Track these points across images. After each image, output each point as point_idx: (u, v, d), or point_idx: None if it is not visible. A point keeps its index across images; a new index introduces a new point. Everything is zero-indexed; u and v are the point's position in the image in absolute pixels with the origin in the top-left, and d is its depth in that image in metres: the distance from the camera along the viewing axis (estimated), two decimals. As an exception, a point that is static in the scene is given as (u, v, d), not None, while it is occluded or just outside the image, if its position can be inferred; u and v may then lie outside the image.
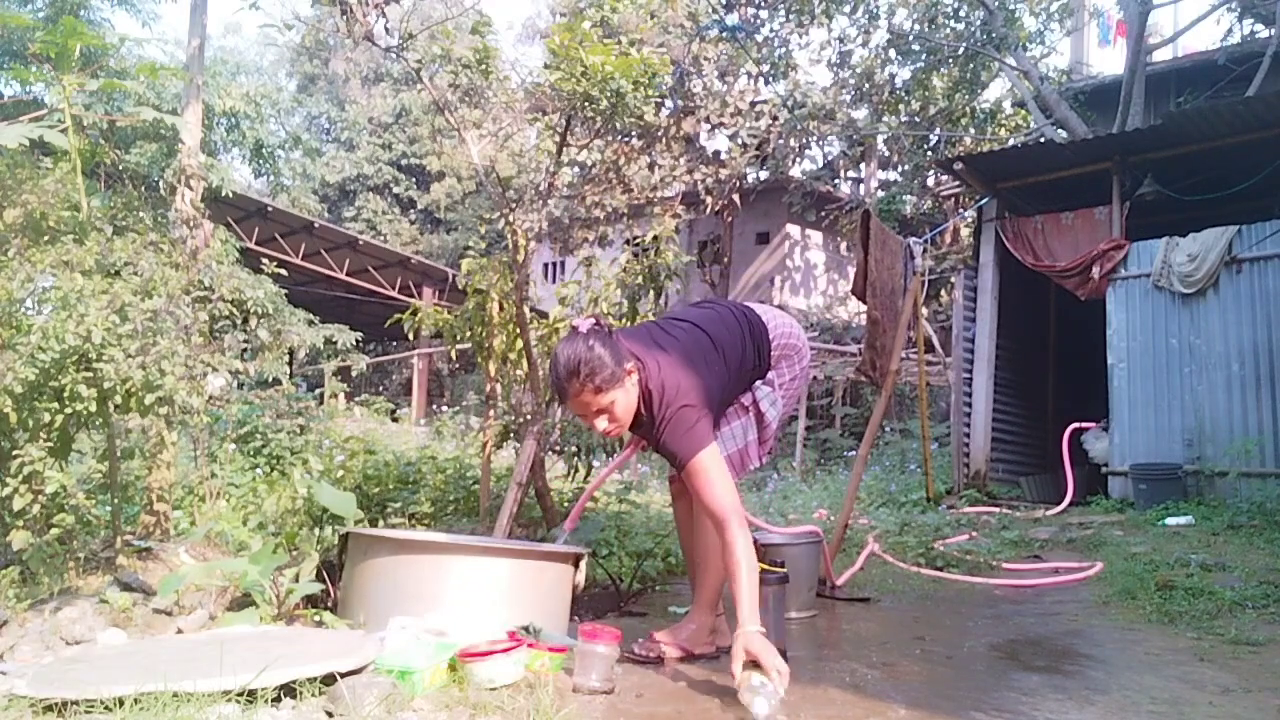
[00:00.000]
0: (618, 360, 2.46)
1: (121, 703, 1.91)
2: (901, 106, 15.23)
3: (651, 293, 4.46)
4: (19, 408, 2.91)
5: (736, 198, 16.65)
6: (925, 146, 14.44)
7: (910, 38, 13.67)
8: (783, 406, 2.90)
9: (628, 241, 16.49)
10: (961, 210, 13.93)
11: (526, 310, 4.24)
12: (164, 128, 5.20)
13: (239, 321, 4.65)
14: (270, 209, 15.21)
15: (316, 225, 16.17)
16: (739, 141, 16.36)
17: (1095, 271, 7.27)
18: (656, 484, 8.42)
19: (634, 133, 15.08)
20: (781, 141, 15.96)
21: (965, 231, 14.06)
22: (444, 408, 14.87)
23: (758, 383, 2.84)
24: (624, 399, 2.49)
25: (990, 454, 7.92)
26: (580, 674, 2.29)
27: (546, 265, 21.95)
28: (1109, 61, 34.96)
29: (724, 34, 15.40)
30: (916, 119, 14.94)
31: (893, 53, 14.42)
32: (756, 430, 2.82)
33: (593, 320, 2.54)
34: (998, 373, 8.09)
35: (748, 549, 2.37)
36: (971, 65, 13.31)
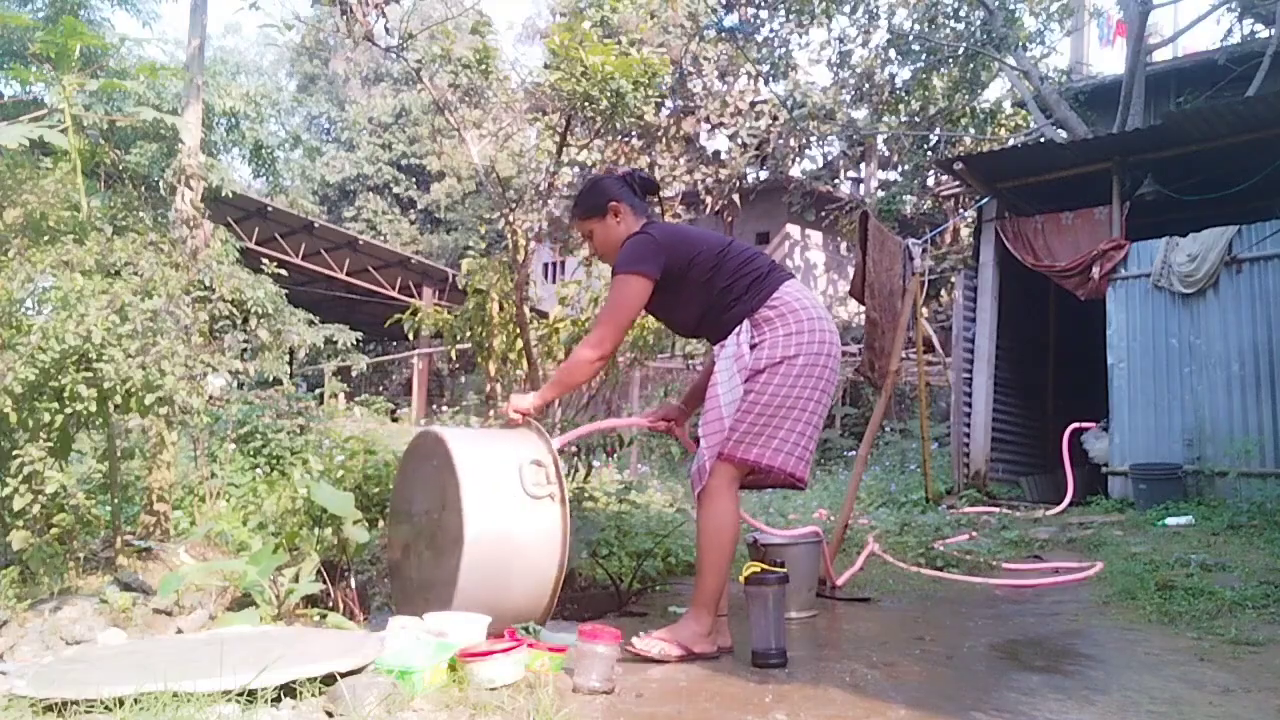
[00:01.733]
0: (604, 197, 2.85)
1: (121, 703, 1.91)
2: (901, 106, 15.22)
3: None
4: (19, 408, 2.91)
5: (736, 198, 16.65)
6: (925, 146, 14.44)
7: (910, 38, 13.66)
8: (762, 405, 2.63)
9: (628, 241, 16.45)
10: (961, 210, 13.93)
11: (526, 310, 4.25)
12: (164, 128, 5.19)
13: (239, 321, 4.65)
14: (270, 209, 15.20)
15: (316, 225, 16.15)
16: (739, 141, 16.36)
17: (1095, 271, 7.27)
18: (657, 484, 8.42)
19: (634, 133, 15.07)
20: (781, 141, 15.97)
21: (965, 231, 14.06)
22: (444, 408, 14.86)
23: (726, 350, 2.69)
24: (601, 232, 2.88)
25: (990, 454, 7.92)
26: (580, 674, 2.29)
27: (546, 265, 21.94)
28: (1109, 61, 34.96)
29: (722, 34, 15.39)
30: (916, 119, 14.93)
31: (893, 53, 14.41)
32: (709, 434, 2.69)
33: (629, 170, 2.98)
34: (998, 373, 8.09)
35: (579, 369, 2.76)
36: (971, 65, 13.30)
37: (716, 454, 2.66)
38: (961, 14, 13.09)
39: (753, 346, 2.69)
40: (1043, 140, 10.63)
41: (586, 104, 3.89)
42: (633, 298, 2.70)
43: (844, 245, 18.21)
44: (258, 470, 5.03)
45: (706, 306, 2.76)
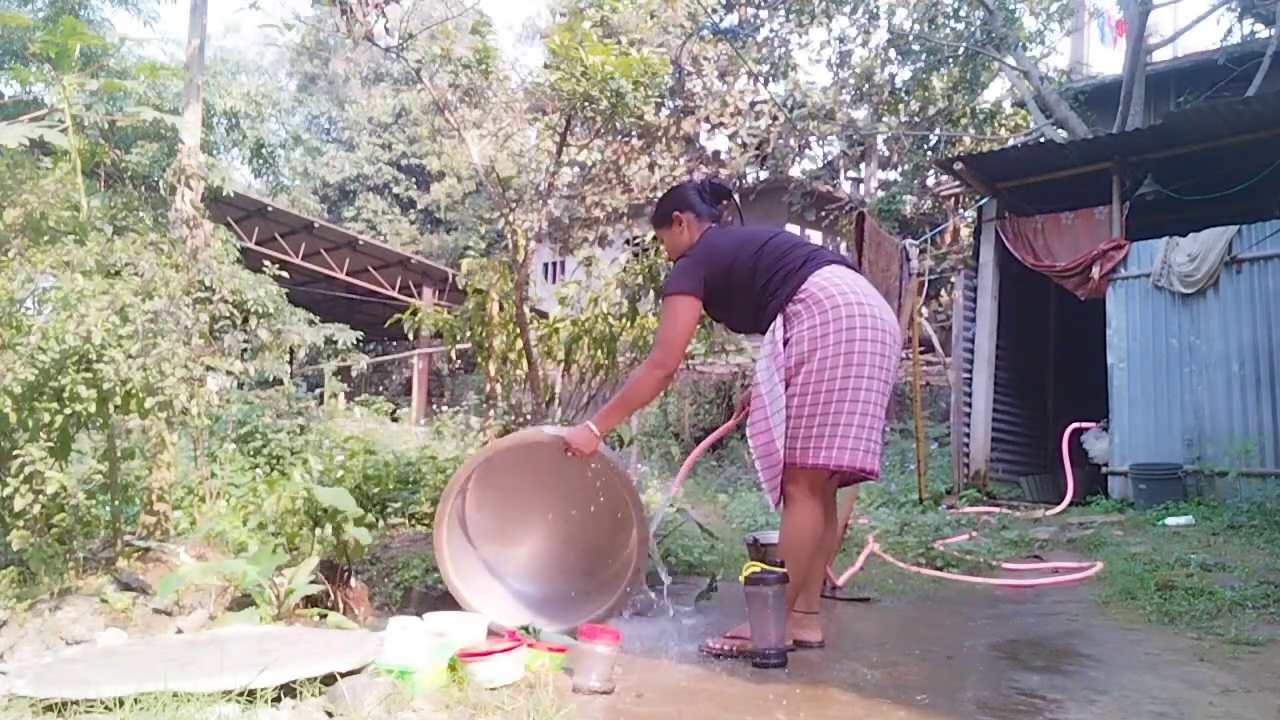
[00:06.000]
0: (668, 208, 3.04)
1: (121, 703, 1.91)
2: (901, 106, 15.22)
3: (651, 293, 4.46)
4: (19, 408, 2.90)
5: (737, 197, 16.64)
6: (925, 146, 14.43)
7: (910, 38, 13.65)
8: (810, 405, 2.65)
9: (628, 241, 16.48)
10: (961, 210, 13.92)
11: (526, 310, 4.24)
12: (164, 128, 5.19)
13: (239, 322, 4.65)
14: (270, 209, 15.17)
15: (316, 225, 16.13)
16: (739, 141, 16.37)
17: (1095, 271, 7.27)
18: (656, 484, 8.42)
19: (634, 133, 15.07)
20: (781, 141, 15.97)
21: (965, 231, 14.05)
22: (444, 408, 14.86)
23: (763, 349, 2.75)
24: (667, 238, 3.08)
25: (990, 454, 7.92)
26: (580, 674, 2.29)
27: (546, 265, 21.94)
28: (1109, 61, 34.95)
29: (717, 35, 15.39)
30: (916, 119, 14.93)
31: (893, 53, 14.40)
32: (756, 434, 2.75)
33: (703, 179, 3.16)
34: (998, 373, 8.09)
35: (643, 386, 2.83)
36: (971, 65, 13.29)
37: (785, 463, 2.68)
38: (961, 14, 13.08)
39: (786, 342, 2.72)
40: (1043, 140, 10.62)
41: (586, 104, 3.89)
42: (680, 316, 2.80)
43: (844, 245, 18.20)
44: (258, 470, 5.03)
45: (754, 305, 2.83)
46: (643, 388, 2.83)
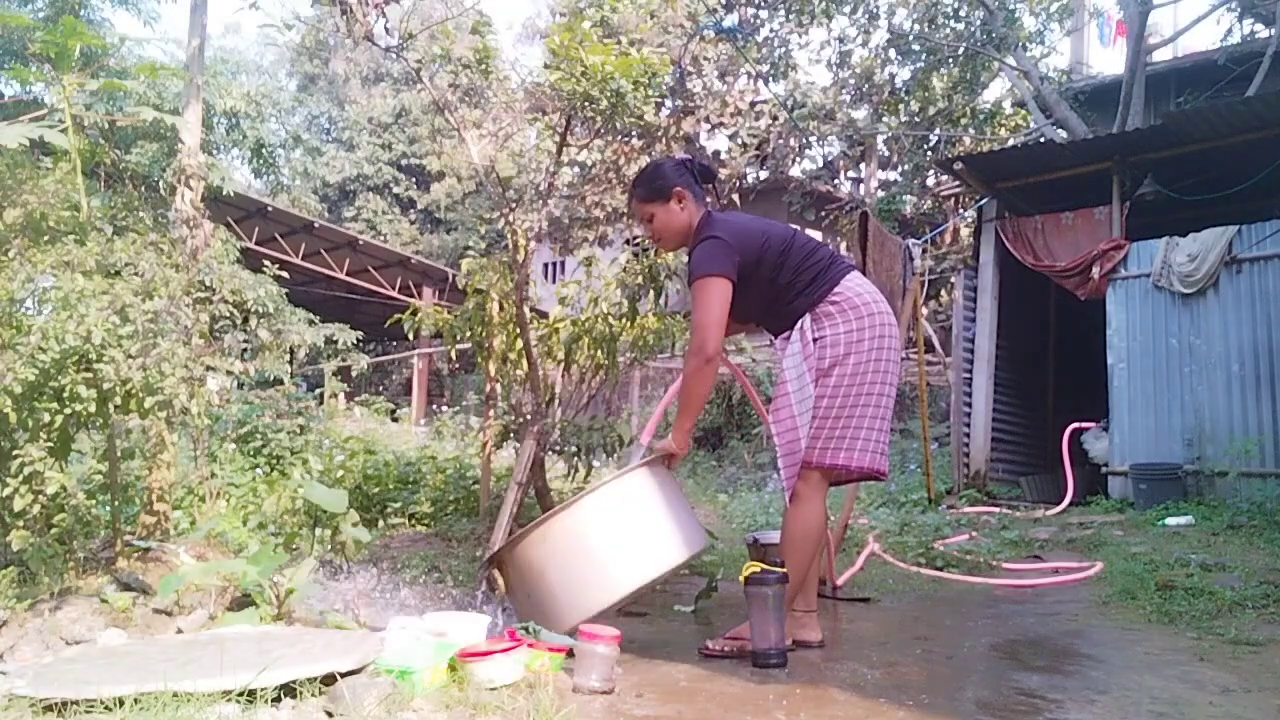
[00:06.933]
0: (668, 182, 2.86)
1: (121, 703, 1.91)
2: (901, 106, 15.22)
3: (651, 293, 4.45)
4: (19, 408, 2.90)
5: (736, 197, 16.65)
6: (925, 146, 14.43)
7: (910, 38, 13.66)
8: (837, 408, 2.70)
9: (628, 241, 16.48)
10: (961, 210, 13.92)
11: (526, 310, 4.24)
12: (164, 128, 5.19)
13: (239, 322, 4.65)
14: (270, 209, 15.18)
15: (316, 225, 16.14)
16: (739, 141, 16.36)
17: (1095, 271, 7.27)
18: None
19: (634, 133, 15.05)
20: (781, 141, 15.97)
21: (965, 231, 14.05)
22: (444, 408, 14.85)
23: (791, 345, 2.75)
24: (663, 216, 2.88)
25: (990, 454, 7.93)
26: (580, 674, 2.29)
27: (546, 265, 21.94)
28: (1109, 61, 34.96)
29: (720, 34, 15.39)
30: (916, 119, 14.92)
31: (893, 53, 14.41)
32: (782, 432, 2.77)
33: (686, 157, 3.01)
34: (998, 373, 8.09)
35: (695, 381, 2.74)
36: (971, 65, 13.30)
37: (803, 463, 2.73)
38: (961, 14, 13.09)
39: (815, 340, 2.74)
40: (1043, 140, 10.63)
41: (586, 104, 3.88)
42: (718, 300, 2.72)
43: (844, 245, 18.21)
44: (258, 470, 5.04)
45: (771, 299, 2.82)
46: (695, 382, 2.76)
